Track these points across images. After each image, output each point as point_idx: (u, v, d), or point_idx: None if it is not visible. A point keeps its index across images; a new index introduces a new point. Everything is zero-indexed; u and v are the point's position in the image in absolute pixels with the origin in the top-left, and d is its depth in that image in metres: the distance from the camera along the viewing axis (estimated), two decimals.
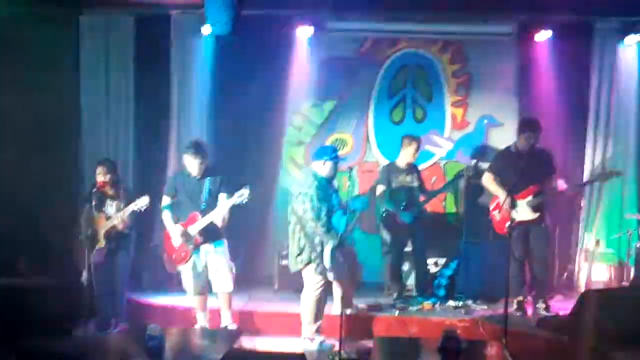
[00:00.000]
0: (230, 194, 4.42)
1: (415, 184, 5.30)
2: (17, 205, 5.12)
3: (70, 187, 5.50)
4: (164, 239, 4.66)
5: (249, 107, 6.00)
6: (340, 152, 5.02)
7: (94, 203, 4.54)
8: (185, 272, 4.58)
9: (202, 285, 4.59)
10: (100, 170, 4.74)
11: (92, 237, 4.60)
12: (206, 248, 4.52)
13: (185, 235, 4.47)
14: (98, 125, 5.73)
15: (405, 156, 5.27)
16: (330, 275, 4.39)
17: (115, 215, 4.67)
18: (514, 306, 4.80)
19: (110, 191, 4.78)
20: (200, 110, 5.92)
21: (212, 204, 4.48)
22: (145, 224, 5.27)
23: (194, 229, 4.46)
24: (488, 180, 4.75)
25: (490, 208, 4.90)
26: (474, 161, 5.72)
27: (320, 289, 4.34)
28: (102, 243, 4.67)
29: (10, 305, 4.23)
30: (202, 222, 4.44)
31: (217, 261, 4.52)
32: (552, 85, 5.76)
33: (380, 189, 5.31)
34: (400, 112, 6.24)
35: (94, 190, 4.57)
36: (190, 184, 4.56)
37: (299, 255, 4.42)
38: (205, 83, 5.92)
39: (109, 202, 4.77)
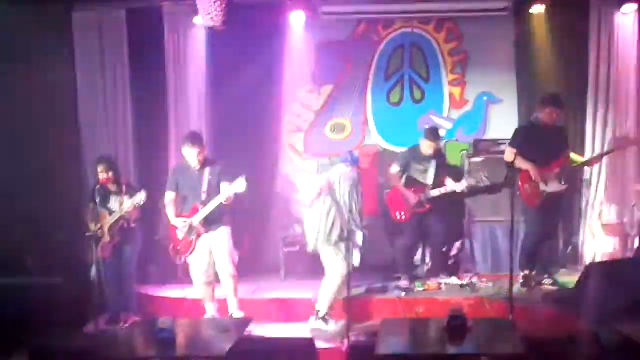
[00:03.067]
0: (230, 182, 4.45)
1: (431, 172, 5.18)
2: (21, 205, 5.14)
3: (73, 184, 5.51)
4: (169, 232, 4.69)
5: (246, 95, 5.97)
6: (339, 137, 5.07)
7: (97, 200, 4.57)
8: (192, 262, 4.63)
9: (209, 276, 4.63)
10: (101, 168, 4.76)
11: (98, 233, 4.63)
12: (209, 236, 4.56)
13: (189, 226, 4.51)
14: (96, 121, 5.72)
15: (424, 148, 5.19)
16: (357, 258, 4.53)
17: (118, 210, 4.70)
18: (519, 281, 4.83)
19: (113, 187, 4.82)
20: (198, 101, 5.90)
21: (212, 194, 4.50)
22: (151, 218, 5.30)
23: (196, 220, 4.50)
24: (511, 156, 4.69)
25: (519, 183, 4.82)
26: (473, 141, 5.71)
27: (345, 271, 4.42)
28: (107, 238, 4.71)
29: (20, 304, 4.29)
30: (203, 212, 4.48)
31: (219, 247, 4.57)
32: (550, 59, 5.71)
33: (394, 169, 5.24)
34: (398, 94, 6.21)
35: (97, 187, 4.60)
36: (190, 176, 4.58)
37: (330, 234, 4.55)
38: (200, 73, 5.89)
39: (112, 198, 4.80)
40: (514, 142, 4.83)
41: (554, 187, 4.75)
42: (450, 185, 5.14)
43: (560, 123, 4.97)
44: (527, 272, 4.87)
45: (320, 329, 4.47)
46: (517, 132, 5.02)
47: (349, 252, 4.40)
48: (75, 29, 5.62)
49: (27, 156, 5.23)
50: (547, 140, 4.76)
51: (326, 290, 4.55)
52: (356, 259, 4.57)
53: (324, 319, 4.51)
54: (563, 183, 4.77)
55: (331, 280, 4.57)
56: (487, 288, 4.98)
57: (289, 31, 5.99)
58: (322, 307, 4.54)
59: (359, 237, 4.58)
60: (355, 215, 4.55)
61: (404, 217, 5.17)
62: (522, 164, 4.75)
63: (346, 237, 4.48)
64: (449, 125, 6.15)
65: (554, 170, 4.76)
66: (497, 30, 5.97)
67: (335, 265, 4.56)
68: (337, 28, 6.18)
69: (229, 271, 4.57)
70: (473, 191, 5.26)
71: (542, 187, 4.69)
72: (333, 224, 4.57)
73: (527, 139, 4.81)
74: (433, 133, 5.20)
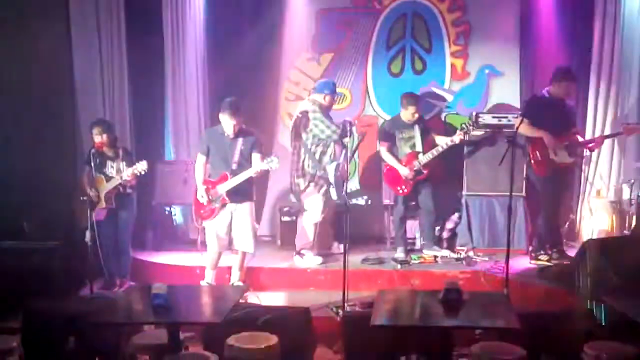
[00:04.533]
0: (262, 154, 4.44)
1: (417, 139, 5.20)
2: (18, 169, 5.08)
3: (69, 148, 5.44)
4: (194, 195, 4.66)
5: (244, 62, 5.87)
6: (339, 106, 5.08)
7: (93, 164, 4.51)
8: (210, 229, 4.62)
9: (224, 244, 4.64)
10: (97, 130, 4.69)
11: (94, 198, 4.60)
12: (233, 207, 4.54)
13: (214, 193, 4.48)
14: (92, 85, 5.61)
15: (405, 115, 5.18)
16: (333, 192, 4.75)
17: (115, 176, 4.65)
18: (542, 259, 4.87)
19: (109, 152, 4.76)
20: (195, 67, 5.81)
21: (243, 164, 4.48)
22: (147, 184, 5.25)
23: (223, 188, 4.47)
24: (525, 127, 4.71)
25: (529, 151, 4.88)
26: (473, 113, 5.65)
27: (322, 209, 4.69)
28: (103, 204, 4.68)
29: (16, 267, 4.28)
30: (232, 181, 4.45)
31: (243, 222, 4.56)
32: (554, 33, 5.64)
33: (383, 146, 5.25)
34: (399, 64, 6.11)
35: (93, 151, 4.53)
36: (223, 143, 4.54)
37: (302, 176, 4.84)
38: (198, 39, 5.79)
39: (109, 163, 4.75)
40: (526, 113, 4.84)
41: (562, 157, 4.79)
42: (441, 142, 5.11)
43: (573, 97, 5.01)
44: (548, 249, 4.89)
45: (297, 263, 4.93)
46: (530, 104, 5.04)
47: (325, 191, 4.68)
48: None
49: (23, 122, 5.14)
50: (557, 113, 4.81)
51: (304, 226, 4.89)
52: (333, 194, 4.84)
53: (299, 254, 4.94)
54: (571, 156, 4.81)
55: (308, 216, 4.90)
56: (483, 262, 5.00)
57: None
58: (300, 242, 4.95)
59: (330, 171, 4.75)
60: (322, 149, 4.88)
61: (406, 191, 5.16)
62: (534, 132, 4.80)
63: (319, 174, 4.83)
64: (450, 97, 6.07)
65: (564, 142, 4.81)
66: (500, 1, 5.85)
67: (312, 202, 4.87)
68: None
69: (249, 248, 4.60)
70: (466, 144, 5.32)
71: (552, 156, 4.77)
72: (304, 165, 4.93)
73: (538, 110, 4.82)
74: (414, 98, 5.18)
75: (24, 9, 5.15)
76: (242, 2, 5.66)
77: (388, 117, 6.09)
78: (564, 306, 3.98)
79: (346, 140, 4.61)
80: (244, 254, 4.64)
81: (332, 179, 4.85)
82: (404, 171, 5.10)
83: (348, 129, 4.54)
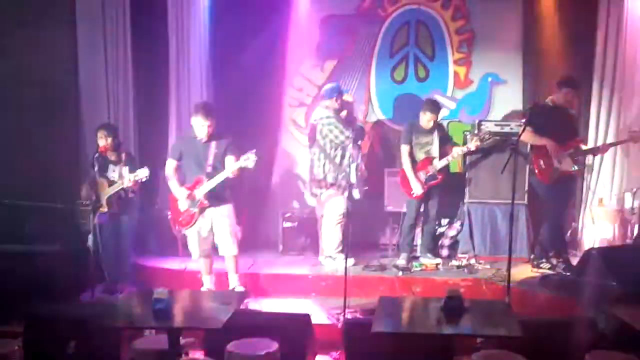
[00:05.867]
0: (237, 156, 4.39)
1: (434, 145, 5.18)
2: (20, 172, 5.10)
3: (72, 152, 5.47)
4: (170, 202, 4.65)
5: (248, 68, 5.89)
6: (343, 113, 5.17)
7: (96, 168, 4.52)
8: (191, 235, 4.60)
9: (207, 249, 4.62)
10: (101, 134, 4.71)
11: (96, 202, 4.60)
12: (212, 212, 4.52)
13: (191, 198, 4.47)
14: (97, 90, 5.64)
15: (422, 120, 5.17)
16: (356, 193, 4.86)
17: (118, 181, 4.66)
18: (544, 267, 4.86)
19: (112, 156, 4.77)
20: (199, 72, 5.83)
21: (218, 167, 4.45)
22: (150, 188, 5.26)
23: (199, 192, 4.45)
24: (528, 135, 4.73)
25: (533, 158, 4.89)
26: (477, 121, 5.65)
27: (345, 210, 4.84)
28: (105, 208, 4.68)
29: (19, 271, 4.28)
30: (207, 185, 4.42)
31: (222, 225, 4.53)
32: (557, 41, 5.64)
33: (405, 149, 5.20)
34: (402, 71, 6.14)
35: (96, 155, 4.54)
36: (196, 147, 4.51)
37: (323, 180, 5.05)
38: (203, 44, 5.82)
39: (111, 167, 4.76)
40: (530, 121, 4.81)
41: (566, 165, 4.80)
42: (457, 151, 5.14)
43: (575, 105, 5.01)
44: (552, 259, 4.87)
45: (328, 265, 5.10)
46: (533, 112, 5.00)
47: (345, 190, 4.75)
48: None
49: (27, 125, 5.16)
50: (561, 121, 4.82)
51: (329, 229, 5.02)
52: (356, 194, 4.94)
53: (331, 256, 5.11)
54: (574, 164, 4.82)
55: (332, 219, 5.04)
56: (485, 270, 4.99)
57: (293, 4, 5.89)
58: (328, 247, 5.08)
59: (352, 173, 4.83)
60: (341, 151, 5.01)
61: (420, 194, 5.15)
62: (538, 140, 4.81)
63: (341, 177, 4.93)
64: (452, 105, 6.09)
65: (567, 150, 4.81)
66: (504, 9, 5.89)
67: (334, 204, 5.01)
68: (343, 2, 6.09)
69: (231, 251, 4.56)
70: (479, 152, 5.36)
71: (556, 164, 4.77)
72: (324, 169, 5.06)
73: (541, 118, 4.80)
74: (435, 104, 5.18)
75: (31, 14, 5.19)
76: (246, 9, 5.69)
77: (390, 124, 6.13)
78: (566, 315, 3.95)
79: (360, 142, 4.84)
80: (233, 257, 4.60)
81: (354, 180, 4.89)
82: (415, 186, 5.10)
83: (361, 130, 4.76)
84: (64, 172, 5.29)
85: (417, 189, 5.10)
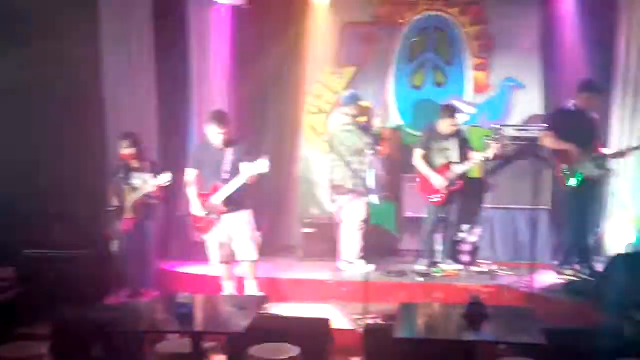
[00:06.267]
0: (252, 163, 4.44)
1: (455, 150, 5.16)
2: (47, 179, 5.21)
3: (98, 160, 5.57)
4: (190, 210, 4.72)
5: (268, 75, 5.96)
6: (361, 120, 5.27)
7: (120, 175, 4.61)
8: (210, 241, 4.66)
9: (227, 255, 4.66)
10: (125, 143, 4.80)
11: (121, 208, 4.69)
12: (230, 218, 4.57)
13: (209, 205, 4.52)
14: (121, 97, 5.73)
15: (442, 126, 5.16)
16: (374, 198, 4.87)
17: (141, 187, 4.75)
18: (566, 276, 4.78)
19: (136, 163, 4.86)
20: (220, 80, 5.90)
21: (234, 173, 4.50)
22: (172, 194, 5.33)
23: (217, 199, 4.51)
24: (550, 140, 4.70)
25: (556, 164, 4.83)
26: (497, 126, 5.62)
27: (364, 216, 4.87)
28: (129, 214, 4.77)
29: (46, 275, 4.39)
30: (224, 191, 4.47)
31: (241, 230, 4.58)
32: (578, 44, 5.57)
33: (419, 153, 5.21)
34: (421, 77, 6.13)
35: (120, 163, 4.64)
36: (213, 155, 4.57)
37: (342, 185, 5.10)
38: (224, 52, 5.88)
39: (135, 174, 4.85)
40: (551, 127, 4.78)
41: (589, 171, 4.73)
42: (477, 156, 5.10)
43: (597, 110, 4.91)
44: (576, 265, 4.80)
45: (348, 270, 5.14)
46: (554, 116, 4.97)
47: (364, 196, 4.74)
48: (101, 5, 5.61)
49: (53, 133, 5.28)
50: (583, 126, 4.75)
51: (349, 234, 5.04)
52: (374, 199, 4.93)
53: (349, 261, 5.15)
54: (597, 169, 4.74)
55: (352, 225, 5.07)
56: (507, 276, 4.94)
57: (313, 11, 5.93)
58: (348, 253, 5.11)
59: (370, 178, 4.81)
60: (359, 158, 5.03)
61: (439, 200, 5.13)
62: (560, 144, 4.73)
63: (360, 183, 4.95)
64: (471, 110, 6.06)
65: (590, 155, 4.74)
66: (523, 13, 5.84)
67: (354, 210, 5.06)
68: (361, 10, 6.11)
69: (250, 257, 4.60)
70: (499, 158, 5.30)
71: (580, 169, 4.69)
72: (343, 173, 5.09)
73: (563, 122, 4.76)
74: (452, 110, 5.17)
75: (56, 25, 5.32)
76: (266, 17, 5.75)
77: (409, 130, 6.13)
78: (591, 322, 3.90)
79: (378, 148, 4.91)
80: (252, 263, 4.63)
81: (372, 185, 4.91)
82: (437, 180, 5.06)
83: (379, 136, 4.80)
84: (89, 179, 5.39)
85: (440, 183, 5.04)
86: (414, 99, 6.13)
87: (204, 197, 4.57)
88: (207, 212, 4.55)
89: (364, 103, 5.34)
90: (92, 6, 5.47)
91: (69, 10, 5.27)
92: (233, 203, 4.52)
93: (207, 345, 3.25)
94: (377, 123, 5.90)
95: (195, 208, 4.60)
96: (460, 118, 5.41)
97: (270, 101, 6.04)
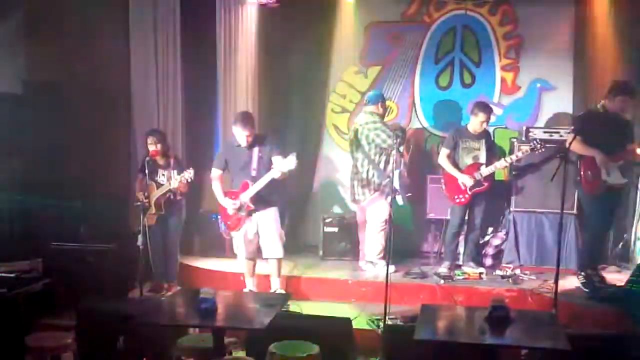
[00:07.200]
0: (283, 157, 4.48)
1: (482, 151, 5.11)
2: (76, 175, 5.32)
3: (124, 156, 5.68)
4: (219, 207, 4.77)
5: (293, 74, 5.99)
6: (386, 119, 5.29)
7: (146, 172, 4.69)
8: (237, 238, 4.71)
9: (253, 251, 4.72)
10: (151, 140, 4.88)
11: (145, 204, 4.77)
12: (258, 215, 4.62)
13: (238, 203, 4.57)
14: (148, 95, 5.83)
15: (473, 124, 5.11)
16: (399, 199, 4.83)
17: (165, 183, 4.82)
18: (581, 281, 4.64)
19: (161, 161, 4.94)
20: (246, 78, 5.94)
21: (262, 170, 4.55)
22: (196, 191, 5.41)
23: (245, 197, 4.55)
24: (577, 144, 4.51)
25: (581, 169, 4.68)
26: (524, 128, 5.53)
27: (388, 216, 4.72)
28: (153, 210, 4.86)
29: (73, 268, 4.49)
30: (253, 188, 4.52)
31: (268, 228, 4.62)
32: (610, 44, 5.44)
33: (444, 152, 5.18)
34: (447, 77, 6.07)
35: (147, 159, 4.72)
36: (240, 154, 4.63)
37: (367, 186, 5.11)
38: (250, 51, 5.92)
39: (160, 170, 4.93)
40: (578, 129, 4.63)
41: (615, 178, 4.55)
42: (505, 158, 5.06)
43: (630, 113, 4.75)
44: (589, 271, 4.66)
45: (369, 270, 5.14)
46: (582, 119, 4.82)
47: (388, 196, 4.65)
48: (131, 4, 5.71)
49: (81, 130, 5.39)
50: (613, 130, 4.57)
51: (372, 235, 5.07)
52: (399, 200, 4.86)
53: (372, 262, 5.14)
54: (624, 176, 4.58)
55: (375, 225, 5.07)
56: (530, 280, 4.86)
57: (338, 10, 5.93)
58: (369, 253, 5.11)
59: (395, 178, 4.74)
60: (385, 158, 5.03)
61: (463, 200, 5.08)
62: (586, 150, 4.58)
63: (385, 183, 4.94)
64: (499, 111, 5.97)
65: (618, 161, 4.56)
66: (554, 14, 5.75)
67: (378, 210, 5.05)
68: (388, 8, 6.08)
69: (276, 253, 4.65)
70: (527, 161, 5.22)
71: (604, 176, 4.52)
72: (367, 175, 5.10)
73: (591, 126, 4.59)
74: (487, 106, 5.11)
75: (87, 23, 5.45)
76: (293, 15, 5.77)
77: (434, 131, 6.07)
78: (616, 329, 3.81)
79: (402, 148, 4.93)
80: (278, 262, 4.68)
81: (397, 186, 4.86)
82: (464, 179, 5.02)
83: (403, 136, 4.84)
84: (116, 175, 5.50)
85: (467, 181, 4.99)
86: (439, 99, 6.08)
87: (233, 194, 4.61)
88: (236, 209, 4.58)
89: (388, 102, 5.30)
90: (122, 5, 5.58)
91: (99, 10, 5.39)
92: (261, 200, 4.57)
93: (228, 340, 3.28)
94: (401, 123, 5.89)
95: (225, 205, 4.64)
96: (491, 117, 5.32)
97: (294, 100, 6.05)
